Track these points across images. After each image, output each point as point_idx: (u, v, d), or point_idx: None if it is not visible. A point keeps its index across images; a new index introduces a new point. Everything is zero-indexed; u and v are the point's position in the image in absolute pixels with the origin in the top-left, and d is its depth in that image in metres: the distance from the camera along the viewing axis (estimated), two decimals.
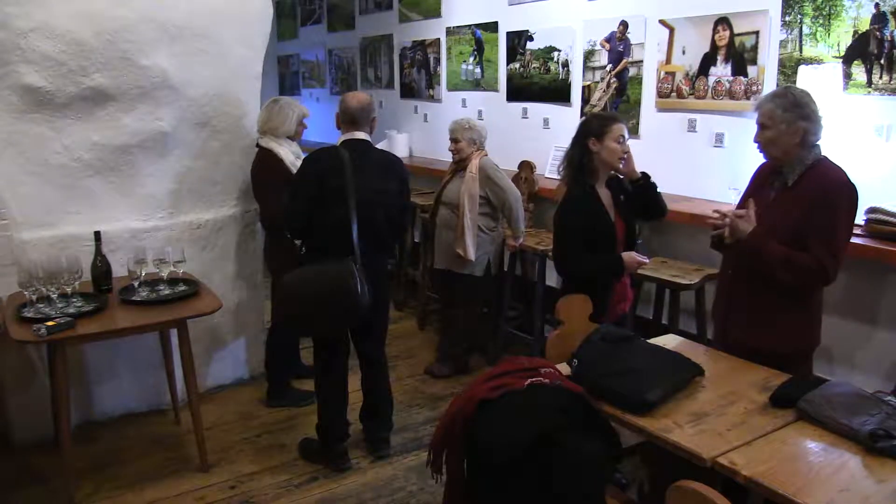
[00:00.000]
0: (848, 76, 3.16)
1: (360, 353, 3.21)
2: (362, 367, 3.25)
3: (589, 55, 4.46)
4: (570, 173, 2.84)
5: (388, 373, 3.29)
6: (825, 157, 2.37)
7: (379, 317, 3.15)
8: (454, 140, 3.97)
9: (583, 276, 2.78)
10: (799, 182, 2.35)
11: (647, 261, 2.85)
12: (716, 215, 2.47)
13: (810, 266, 2.29)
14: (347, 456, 3.16)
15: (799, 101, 2.32)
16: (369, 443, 3.27)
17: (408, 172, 3.19)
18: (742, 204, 2.59)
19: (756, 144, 2.42)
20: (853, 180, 2.33)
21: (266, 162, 3.48)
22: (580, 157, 2.78)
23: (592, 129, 2.77)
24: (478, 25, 5.37)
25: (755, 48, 3.51)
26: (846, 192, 2.31)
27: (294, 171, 3.43)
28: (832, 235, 2.29)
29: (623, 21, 4.19)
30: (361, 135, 3.01)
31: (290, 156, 3.50)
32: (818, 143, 2.36)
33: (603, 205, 2.79)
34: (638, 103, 4.17)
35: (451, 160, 4.09)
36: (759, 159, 2.55)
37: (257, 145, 3.58)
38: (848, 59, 3.16)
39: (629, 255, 2.78)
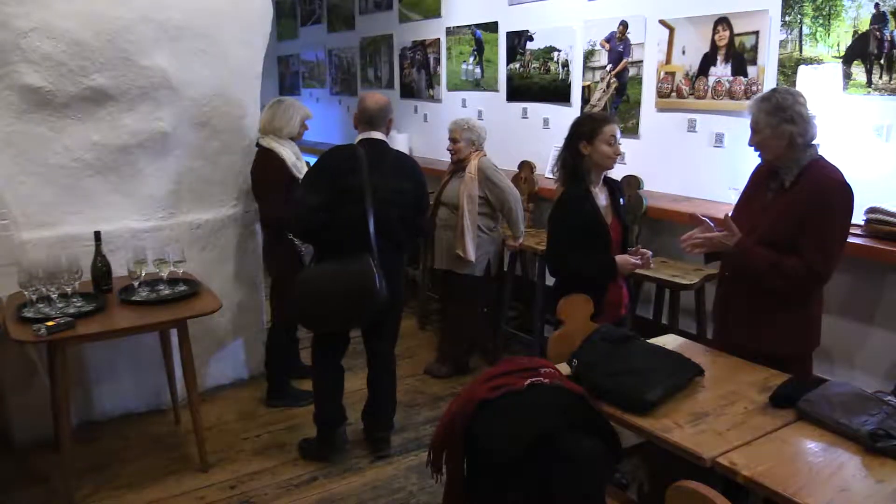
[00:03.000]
0: (848, 76, 3.16)
1: (370, 350, 3.24)
2: (370, 365, 3.26)
3: (589, 55, 4.46)
4: (564, 176, 2.83)
5: (395, 371, 3.30)
6: (821, 157, 2.37)
7: (392, 315, 3.17)
8: (453, 140, 3.97)
9: (575, 277, 2.77)
10: (796, 183, 2.35)
11: (641, 262, 2.79)
12: (697, 241, 2.45)
13: (799, 269, 2.28)
14: (345, 437, 3.20)
15: (782, 105, 2.30)
16: (370, 442, 3.28)
17: (423, 174, 3.18)
18: (737, 204, 2.60)
19: (752, 147, 2.43)
20: (851, 180, 2.33)
21: (267, 162, 3.48)
22: (572, 160, 2.78)
23: (583, 131, 2.75)
24: (478, 25, 5.37)
25: (755, 48, 3.51)
26: (841, 192, 2.30)
27: (295, 171, 3.43)
28: (825, 236, 2.28)
29: (623, 21, 4.20)
30: (378, 135, 3.04)
31: (292, 156, 3.50)
32: (814, 143, 2.35)
33: (597, 206, 2.78)
34: (638, 103, 4.17)
35: (450, 160, 4.09)
36: (758, 159, 2.55)
37: (257, 145, 3.58)
38: (848, 60, 3.16)
39: (623, 258, 2.77)
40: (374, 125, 3.03)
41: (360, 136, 3.05)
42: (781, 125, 2.29)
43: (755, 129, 2.36)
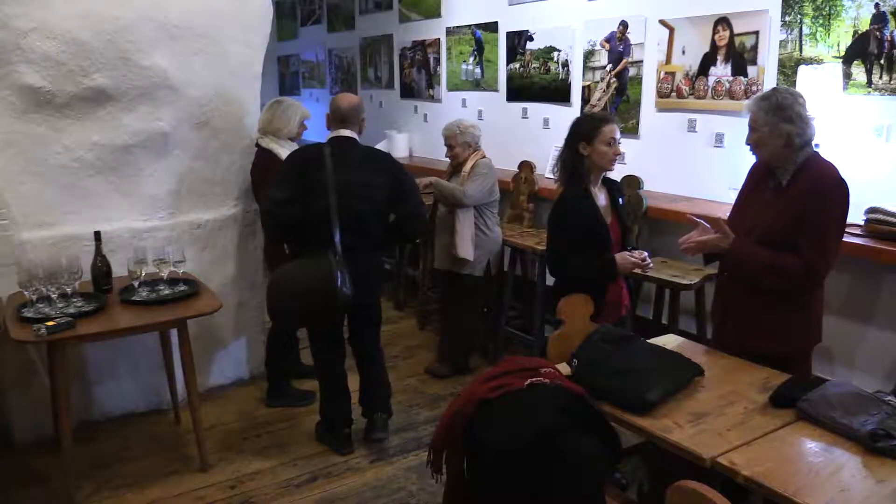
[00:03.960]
0: (848, 76, 3.16)
1: (353, 348, 3.27)
2: (357, 363, 3.30)
3: (589, 55, 4.46)
4: (563, 176, 2.84)
5: (381, 363, 3.32)
6: (816, 154, 2.37)
7: (367, 313, 3.18)
8: (449, 147, 3.98)
9: (575, 277, 2.77)
10: (792, 182, 2.35)
11: (642, 262, 2.80)
12: (691, 244, 2.47)
13: (796, 266, 2.28)
14: (350, 440, 3.26)
15: (782, 104, 2.30)
16: (367, 431, 3.30)
17: (401, 167, 3.16)
18: (735, 204, 2.61)
19: (748, 146, 2.43)
20: (851, 180, 2.33)
21: (266, 162, 3.49)
22: (572, 160, 2.78)
23: (582, 132, 2.75)
24: (478, 25, 5.37)
25: (755, 48, 3.51)
26: (836, 189, 2.30)
27: None
28: (821, 232, 2.28)
29: (623, 21, 4.20)
30: (347, 132, 3.07)
31: None
32: (811, 142, 2.35)
33: (597, 206, 2.78)
34: (638, 103, 4.18)
35: (450, 163, 4.10)
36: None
37: (257, 145, 3.59)
38: (848, 59, 3.16)
39: (622, 256, 2.77)
40: (346, 124, 3.07)
41: (331, 135, 3.09)
42: (780, 124, 2.29)
43: (753, 127, 2.36)
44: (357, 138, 3.09)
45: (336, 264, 2.83)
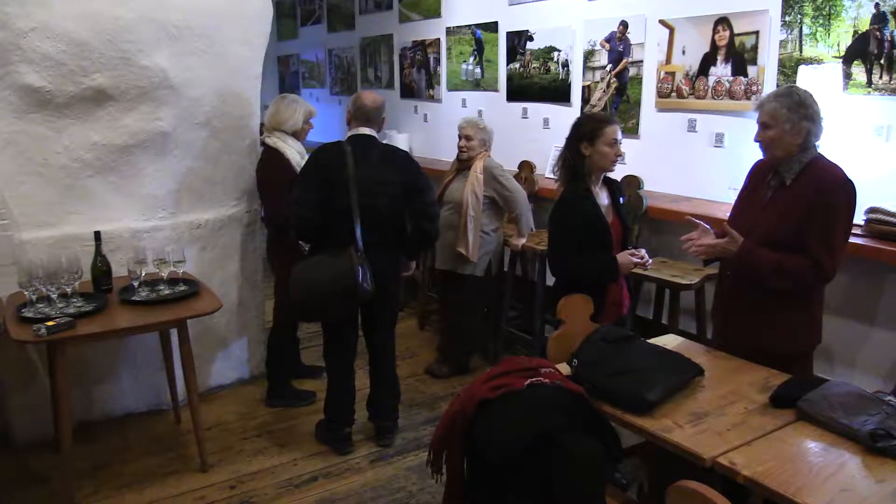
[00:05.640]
0: (848, 76, 3.16)
1: (367, 342, 3.29)
2: (370, 364, 3.31)
3: (589, 55, 4.46)
4: (564, 175, 2.84)
5: (391, 362, 3.33)
6: (821, 155, 2.37)
7: (383, 307, 3.18)
8: (467, 137, 3.92)
9: (577, 277, 2.77)
10: (796, 181, 2.35)
11: (641, 260, 2.80)
12: (699, 248, 2.47)
13: (805, 267, 2.28)
14: (350, 440, 3.28)
15: (803, 101, 2.31)
16: (375, 431, 3.34)
17: (415, 165, 3.16)
18: (736, 203, 2.60)
19: (758, 143, 2.42)
20: (851, 179, 2.33)
21: (271, 161, 3.50)
22: (573, 160, 2.78)
23: (584, 132, 2.75)
24: (478, 25, 5.37)
25: (755, 48, 3.51)
26: (844, 190, 2.31)
27: (299, 170, 3.44)
28: (830, 233, 2.28)
29: (623, 21, 4.20)
30: (368, 131, 3.09)
31: (296, 155, 3.51)
32: (817, 142, 2.36)
33: (598, 205, 2.78)
34: (638, 103, 4.17)
35: (458, 158, 4.01)
36: (756, 157, 2.55)
37: (263, 143, 3.59)
38: (848, 59, 3.16)
39: (624, 256, 2.77)
40: (369, 122, 3.09)
41: (350, 133, 3.10)
42: (801, 122, 2.30)
43: (771, 123, 2.34)
44: (377, 136, 3.12)
45: (357, 261, 2.88)
